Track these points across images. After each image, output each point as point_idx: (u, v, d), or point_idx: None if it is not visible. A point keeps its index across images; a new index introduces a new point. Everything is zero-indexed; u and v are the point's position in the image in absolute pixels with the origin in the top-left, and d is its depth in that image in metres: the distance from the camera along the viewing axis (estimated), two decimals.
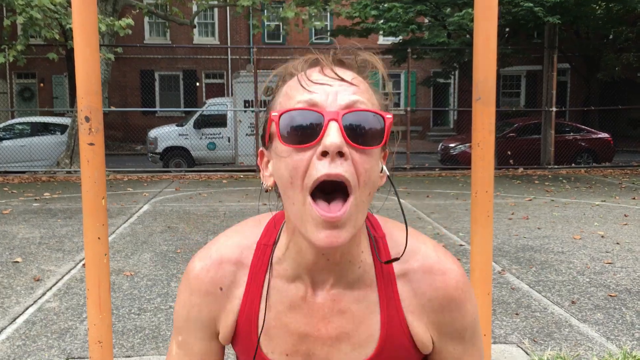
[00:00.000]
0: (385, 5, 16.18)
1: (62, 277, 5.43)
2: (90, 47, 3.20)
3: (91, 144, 3.23)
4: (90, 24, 3.26)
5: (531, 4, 13.63)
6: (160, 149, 15.31)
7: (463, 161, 14.74)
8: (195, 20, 19.68)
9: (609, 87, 22.08)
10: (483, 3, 3.43)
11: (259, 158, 0.90)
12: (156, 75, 26.13)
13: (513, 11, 14.12)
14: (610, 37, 19.48)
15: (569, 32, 18.77)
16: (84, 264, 5.36)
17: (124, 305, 4.67)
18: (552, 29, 15.15)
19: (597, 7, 15.51)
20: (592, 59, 20.19)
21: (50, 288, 5.12)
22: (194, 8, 19.56)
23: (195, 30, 24.14)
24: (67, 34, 14.31)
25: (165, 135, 15.47)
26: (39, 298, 4.86)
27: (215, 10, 25.67)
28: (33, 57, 19.86)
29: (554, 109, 15.12)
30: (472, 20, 12.18)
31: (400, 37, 18.20)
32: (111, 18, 12.40)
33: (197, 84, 26.34)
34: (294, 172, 0.78)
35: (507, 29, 16.94)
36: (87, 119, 3.29)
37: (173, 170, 14.71)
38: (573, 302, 4.78)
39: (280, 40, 26.44)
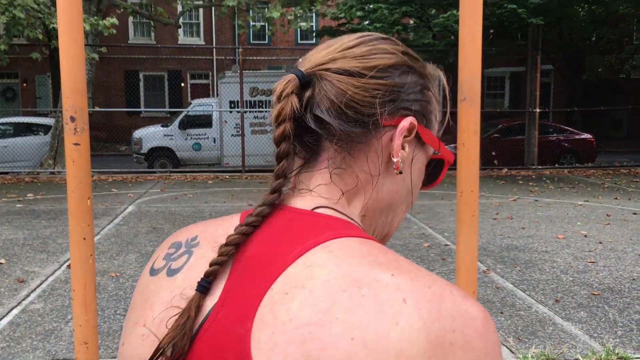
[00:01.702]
0: (371, 6, 16.24)
1: (47, 279, 5.38)
2: (76, 45, 3.18)
3: (76, 144, 3.22)
4: (75, 22, 3.24)
5: (514, 6, 13.75)
6: (145, 150, 15.22)
7: None
8: (180, 21, 19.60)
9: (592, 88, 22.34)
10: (468, 3, 3.47)
11: (407, 124, 0.67)
12: (141, 76, 25.97)
13: (497, 12, 14.24)
14: (593, 38, 19.71)
15: (553, 34, 18.95)
16: (68, 265, 5.32)
17: (110, 306, 4.65)
18: (535, 30, 15.29)
19: (580, 9, 15.69)
20: (575, 60, 20.41)
21: (35, 289, 5.07)
22: (179, 8, 19.47)
23: (180, 31, 24.04)
24: (50, 34, 14.18)
25: (150, 135, 15.38)
26: (23, 299, 4.81)
27: (201, 10, 25.56)
28: (16, 56, 19.65)
29: (538, 110, 15.26)
30: (457, 22, 12.25)
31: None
32: (95, 17, 12.30)
33: (182, 84, 26.23)
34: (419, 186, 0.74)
35: (491, 31, 17.08)
36: (73, 119, 3.28)
37: (158, 171, 14.64)
38: (557, 301, 4.83)
39: (266, 41, 26.40)
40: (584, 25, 17.55)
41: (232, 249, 0.62)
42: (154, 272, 0.68)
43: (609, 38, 18.63)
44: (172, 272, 0.66)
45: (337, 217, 0.65)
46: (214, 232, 0.68)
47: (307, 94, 0.65)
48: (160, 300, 0.64)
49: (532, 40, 15.57)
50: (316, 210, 0.65)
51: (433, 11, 17.00)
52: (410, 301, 0.52)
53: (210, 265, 0.61)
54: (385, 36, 0.71)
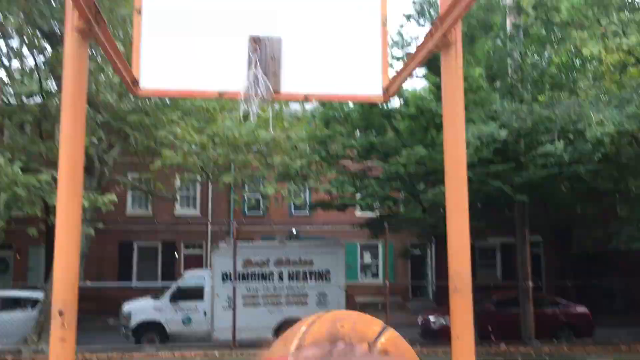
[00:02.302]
0: (363, 182, 16.91)
1: None
2: (71, 240, 3.26)
3: (62, 340, 3.15)
4: (74, 204, 3.36)
5: (499, 183, 14.35)
6: (133, 324, 14.84)
7: (444, 336, 14.41)
8: (177, 195, 20.20)
9: (582, 260, 22.51)
10: (454, 197, 3.64)
11: None
12: (135, 246, 26.10)
13: (484, 189, 14.81)
14: (578, 212, 20.29)
15: (539, 208, 19.55)
16: None
17: None
18: (521, 206, 15.80)
19: (563, 187, 16.36)
20: (563, 234, 20.82)
21: None
22: (177, 182, 20.21)
23: (177, 203, 24.66)
24: (49, 209, 14.51)
25: (139, 309, 15.08)
26: None
27: (197, 183, 26.49)
28: (12, 229, 19.87)
29: (530, 283, 15.24)
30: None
31: (378, 212, 18.78)
32: (95, 194, 12.68)
33: (176, 255, 26.30)
34: None
35: (479, 204, 17.63)
36: (61, 313, 3.24)
37: (145, 348, 14.10)
38: None
39: (261, 213, 27.01)
40: (568, 202, 18.17)
41: None
42: None
43: (594, 212, 19.18)
44: None
45: None
46: None
47: None
48: None
49: (519, 216, 16.02)
50: None
51: (422, 186, 17.67)
52: None
53: None
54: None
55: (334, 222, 23.13)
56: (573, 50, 14.27)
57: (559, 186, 16.35)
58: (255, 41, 3.98)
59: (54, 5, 11.87)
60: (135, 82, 3.73)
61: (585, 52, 11.96)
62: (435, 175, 14.44)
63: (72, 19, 2.97)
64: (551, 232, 22.20)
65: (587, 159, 14.22)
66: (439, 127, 13.50)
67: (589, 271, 21.97)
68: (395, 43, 18.08)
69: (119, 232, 25.23)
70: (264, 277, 15.27)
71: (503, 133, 13.43)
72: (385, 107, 16.92)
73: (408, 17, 17.95)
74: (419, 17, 17.80)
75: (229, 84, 3.93)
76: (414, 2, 17.69)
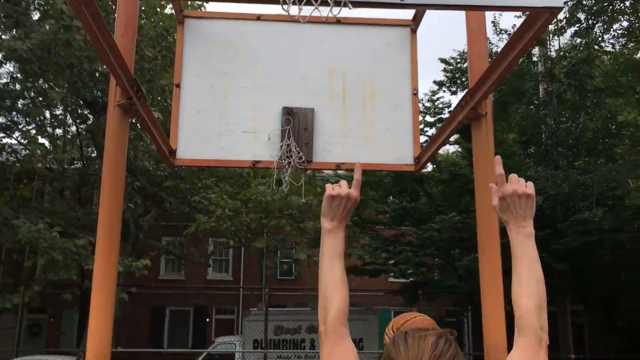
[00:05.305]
0: (396, 248, 16.74)
1: None
2: (105, 308, 3.29)
3: None
4: (111, 266, 3.40)
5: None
6: None
7: None
8: (210, 259, 20.27)
9: (630, 332, 21.49)
10: (487, 267, 3.57)
11: None
12: (167, 311, 26.07)
13: None
14: (622, 280, 19.53)
15: (580, 276, 18.94)
16: None
17: None
18: (561, 274, 15.34)
19: (604, 254, 15.87)
20: (607, 304, 20.02)
21: None
22: (210, 247, 20.32)
23: (209, 267, 24.72)
24: (84, 274, 14.69)
25: None
26: None
27: (230, 249, 26.60)
28: (47, 292, 20.11)
29: (573, 356, 14.60)
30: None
31: (411, 278, 18.46)
32: (129, 259, 12.82)
33: (207, 319, 26.14)
34: None
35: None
36: None
37: None
38: None
39: (293, 277, 26.82)
40: (610, 270, 17.56)
41: None
42: None
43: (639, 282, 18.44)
44: None
45: None
46: None
47: None
48: None
49: (559, 284, 15.53)
50: None
51: (457, 252, 17.38)
52: None
53: None
54: (441, 333, 1.28)
55: (367, 289, 22.77)
56: (608, 116, 14.19)
57: (599, 254, 15.87)
58: (289, 112, 4.08)
59: (97, 76, 12.43)
60: (172, 152, 3.83)
61: (621, 118, 11.87)
62: (470, 241, 14.21)
63: (114, 95, 3.11)
64: (595, 302, 21.35)
65: (628, 226, 13.85)
66: (472, 193, 13.41)
67: (637, 346, 20.93)
68: (428, 109, 18.30)
69: (152, 296, 25.29)
70: (295, 344, 14.98)
71: (539, 199, 13.24)
72: (418, 173, 16.92)
73: (439, 84, 18.20)
74: (450, 84, 18.02)
75: (263, 153, 4.02)
76: (445, 70, 17.97)
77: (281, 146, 4.02)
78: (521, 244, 1.50)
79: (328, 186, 1.63)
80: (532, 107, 15.97)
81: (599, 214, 12.73)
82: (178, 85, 3.92)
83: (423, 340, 1.23)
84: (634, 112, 11.22)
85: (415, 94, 4.33)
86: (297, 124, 4.10)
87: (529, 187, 1.52)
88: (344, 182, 1.63)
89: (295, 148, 3.98)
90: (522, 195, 1.49)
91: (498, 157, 1.56)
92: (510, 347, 1.43)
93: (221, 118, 4.03)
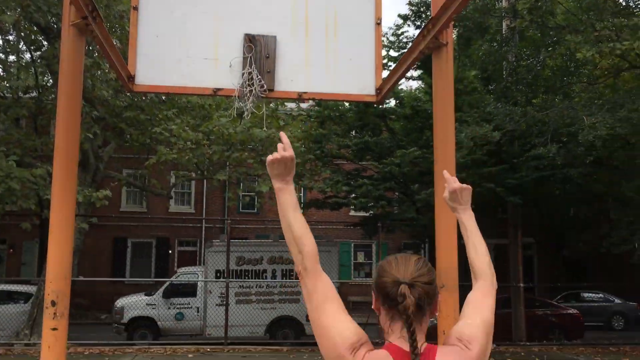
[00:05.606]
0: (357, 182, 16.96)
1: None
2: (65, 233, 3.30)
3: (54, 329, 3.19)
4: (68, 196, 3.39)
5: (492, 185, 14.42)
6: (125, 320, 14.85)
7: (434, 335, 14.49)
8: (172, 191, 20.20)
9: (575, 262, 22.63)
10: (442, 197, 3.70)
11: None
12: (129, 243, 26.11)
13: (476, 190, 14.88)
14: (571, 214, 20.39)
15: (531, 210, 19.66)
16: None
17: None
18: (514, 208, 15.89)
19: (556, 189, 16.45)
20: (555, 236, 20.92)
21: None
22: (172, 180, 20.21)
23: (172, 200, 24.67)
24: (43, 203, 14.50)
25: (131, 305, 15.09)
26: None
27: (192, 181, 26.50)
28: (5, 223, 19.85)
29: (522, 285, 15.33)
30: None
31: (371, 212, 18.83)
32: (89, 189, 12.69)
33: (170, 251, 26.31)
34: None
35: (472, 206, 17.68)
36: (54, 303, 3.29)
37: (137, 343, 14.12)
38: None
39: (255, 210, 27.05)
40: (560, 204, 18.27)
41: None
42: None
43: (586, 215, 19.28)
44: None
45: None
46: None
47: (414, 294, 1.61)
48: None
49: (511, 217, 16.11)
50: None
51: (416, 186, 17.73)
52: None
53: None
54: (424, 258, 1.72)
55: (327, 221, 23.18)
56: (567, 54, 14.36)
57: (551, 189, 16.45)
58: (250, 39, 4.03)
59: (51, 0, 11.87)
60: (130, 78, 3.77)
61: (579, 55, 12.04)
62: (429, 175, 14.48)
63: (69, 15, 3.01)
64: (544, 234, 22.29)
65: (580, 162, 14.32)
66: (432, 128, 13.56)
67: (581, 274, 22.09)
68: (392, 44, 18.15)
69: (114, 228, 25.24)
70: (257, 274, 15.31)
71: (496, 135, 13.51)
72: (380, 108, 16.97)
73: (404, 18, 18.01)
74: (415, 18, 17.85)
75: (224, 81, 3.98)
76: (410, 3, 17.75)
77: (243, 74, 3.99)
78: (468, 221, 2.02)
79: (268, 157, 1.91)
80: (494, 44, 16.02)
81: (553, 150, 13.09)
82: (136, 8, 3.81)
83: (408, 260, 1.67)
84: (592, 50, 11.38)
85: (378, 23, 4.31)
86: (258, 52, 4.06)
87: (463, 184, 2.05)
88: (280, 146, 1.90)
89: (257, 76, 3.96)
90: (465, 189, 2.01)
91: (446, 173, 2.09)
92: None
93: (181, 44, 3.95)
